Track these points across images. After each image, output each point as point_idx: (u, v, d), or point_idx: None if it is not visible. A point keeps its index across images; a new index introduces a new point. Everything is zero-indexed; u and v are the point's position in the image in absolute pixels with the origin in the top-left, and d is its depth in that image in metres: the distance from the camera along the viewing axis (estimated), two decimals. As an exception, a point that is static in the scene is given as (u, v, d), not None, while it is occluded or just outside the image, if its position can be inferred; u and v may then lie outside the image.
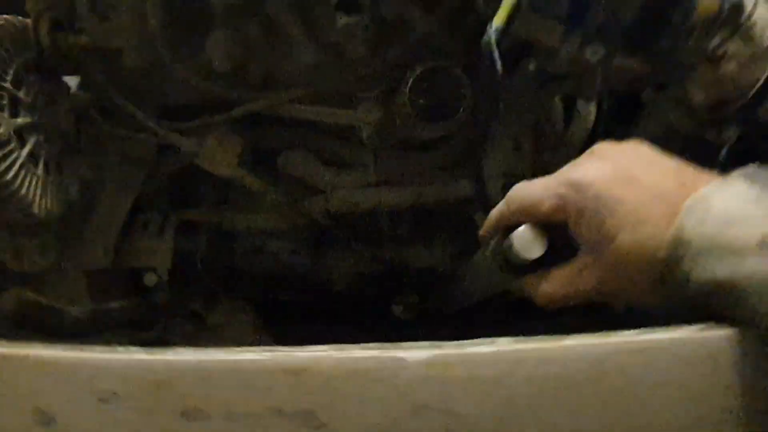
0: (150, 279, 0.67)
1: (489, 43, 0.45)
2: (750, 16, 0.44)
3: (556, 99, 0.63)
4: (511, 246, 0.42)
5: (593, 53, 0.48)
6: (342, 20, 0.47)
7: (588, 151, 0.42)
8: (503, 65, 0.46)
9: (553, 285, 0.41)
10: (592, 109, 0.66)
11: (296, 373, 0.35)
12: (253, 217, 0.70)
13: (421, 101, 0.53)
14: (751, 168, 0.37)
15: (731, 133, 0.50)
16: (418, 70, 0.52)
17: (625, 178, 0.39)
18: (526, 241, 0.41)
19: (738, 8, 0.44)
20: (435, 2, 0.55)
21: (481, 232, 0.46)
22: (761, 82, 0.45)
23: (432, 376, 0.34)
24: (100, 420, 0.35)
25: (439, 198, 0.66)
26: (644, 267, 0.37)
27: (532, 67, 0.52)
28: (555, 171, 0.42)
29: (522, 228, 0.41)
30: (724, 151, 0.52)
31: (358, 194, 0.67)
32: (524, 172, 0.61)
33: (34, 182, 0.51)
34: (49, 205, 0.53)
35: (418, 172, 0.65)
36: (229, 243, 0.74)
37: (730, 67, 0.46)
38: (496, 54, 0.45)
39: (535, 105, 0.59)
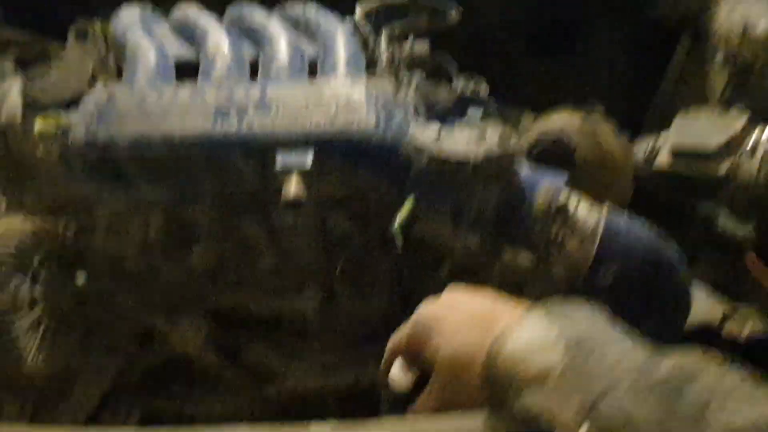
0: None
1: (395, 233, 0.63)
2: (574, 211, 0.63)
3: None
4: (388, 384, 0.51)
5: (472, 240, 0.65)
6: (288, 217, 0.65)
7: None
8: (403, 246, 0.63)
9: (418, 408, 0.49)
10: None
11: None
12: (213, 402, 0.79)
13: (351, 281, 0.69)
14: (550, 303, 0.47)
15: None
16: (344, 260, 0.69)
17: (448, 306, 0.50)
18: (397, 377, 0.51)
19: (563, 206, 0.63)
20: (369, 222, 0.75)
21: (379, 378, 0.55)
22: (592, 258, 0.62)
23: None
24: None
25: (375, 378, 0.76)
26: (466, 378, 0.45)
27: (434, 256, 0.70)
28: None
29: (394, 366, 0.51)
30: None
31: (307, 379, 0.77)
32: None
33: (32, 342, 0.63)
34: (37, 365, 0.64)
35: (356, 358, 0.77)
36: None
37: (570, 248, 0.63)
38: (399, 240, 0.63)
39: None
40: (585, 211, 0.64)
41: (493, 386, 0.43)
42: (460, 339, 0.47)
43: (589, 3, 1.13)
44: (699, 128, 0.86)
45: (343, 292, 0.70)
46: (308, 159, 0.64)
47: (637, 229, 0.63)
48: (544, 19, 1.16)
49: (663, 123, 0.92)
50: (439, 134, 0.65)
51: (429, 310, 0.51)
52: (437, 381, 0.48)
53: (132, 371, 0.80)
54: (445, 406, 0.47)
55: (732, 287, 0.88)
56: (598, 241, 0.62)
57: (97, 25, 0.91)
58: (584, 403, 0.37)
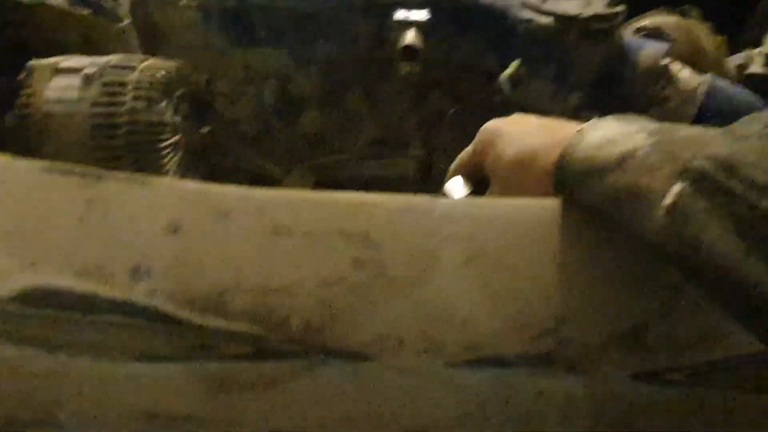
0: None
1: (503, 81, 0.68)
2: (676, 73, 0.66)
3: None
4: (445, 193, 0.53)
5: (574, 100, 0.70)
6: (405, 68, 0.71)
7: None
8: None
9: None
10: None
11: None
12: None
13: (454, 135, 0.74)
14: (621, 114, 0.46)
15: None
16: (451, 112, 0.75)
17: (517, 120, 0.50)
18: (453, 186, 0.52)
19: (666, 68, 0.66)
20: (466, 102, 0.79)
21: None
22: (693, 116, 0.65)
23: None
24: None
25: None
26: (526, 179, 0.44)
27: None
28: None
29: (453, 178, 0.53)
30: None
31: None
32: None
33: (172, 162, 0.71)
34: (173, 186, 0.72)
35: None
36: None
37: (671, 106, 0.66)
38: (508, 89, 0.68)
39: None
40: (687, 74, 0.67)
41: (564, 180, 0.42)
42: (524, 142, 0.46)
43: None
44: (796, 36, 0.87)
45: (439, 162, 0.76)
46: (424, 14, 0.70)
47: (739, 93, 0.66)
48: None
49: (760, 35, 0.93)
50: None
51: (493, 124, 0.50)
52: (496, 185, 0.49)
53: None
54: None
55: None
56: (699, 102, 0.65)
57: None
58: (675, 169, 0.35)
